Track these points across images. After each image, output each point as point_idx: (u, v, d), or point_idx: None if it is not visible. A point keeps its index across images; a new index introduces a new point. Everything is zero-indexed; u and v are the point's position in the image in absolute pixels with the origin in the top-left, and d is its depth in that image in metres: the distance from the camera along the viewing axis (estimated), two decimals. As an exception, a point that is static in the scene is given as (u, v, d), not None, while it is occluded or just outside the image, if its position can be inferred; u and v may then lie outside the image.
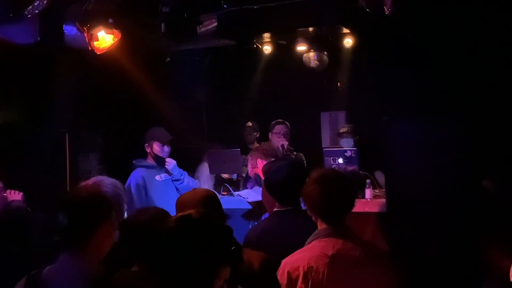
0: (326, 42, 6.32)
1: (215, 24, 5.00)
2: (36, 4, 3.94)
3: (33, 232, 3.35)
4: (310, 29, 5.58)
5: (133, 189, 4.46)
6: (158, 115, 5.77)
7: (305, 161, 5.31)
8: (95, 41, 4.15)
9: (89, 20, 4.11)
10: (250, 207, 4.63)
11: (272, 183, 3.07)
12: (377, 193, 5.14)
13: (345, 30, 5.63)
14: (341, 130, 6.10)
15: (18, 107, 4.87)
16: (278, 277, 2.36)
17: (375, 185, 5.24)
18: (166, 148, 4.64)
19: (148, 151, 4.64)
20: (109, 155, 5.71)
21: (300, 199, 2.77)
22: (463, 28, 4.02)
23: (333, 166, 5.19)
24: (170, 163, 4.70)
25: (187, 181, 4.79)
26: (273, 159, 4.34)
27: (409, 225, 3.97)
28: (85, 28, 4.12)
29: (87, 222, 2.19)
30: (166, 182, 4.65)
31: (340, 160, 5.27)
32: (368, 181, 5.11)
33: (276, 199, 3.02)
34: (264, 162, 4.27)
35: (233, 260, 1.77)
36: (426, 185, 3.93)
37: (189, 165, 6.10)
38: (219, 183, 5.61)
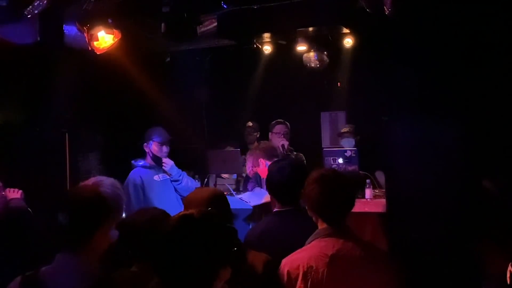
0: (326, 42, 6.32)
1: (215, 24, 5.00)
2: (36, 4, 3.95)
3: (33, 231, 3.35)
4: (310, 29, 5.58)
5: (131, 189, 4.45)
6: (158, 115, 5.77)
7: (305, 161, 5.31)
8: (95, 41, 4.15)
9: (89, 20, 4.11)
10: (250, 207, 4.63)
11: (272, 183, 3.07)
12: (377, 193, 5.15)
13: (345, 30, 5.63)
14: (342, 130, 6.11)
15: (18, 107, 4.86)
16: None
17: (375, 185, 5.24)
18: (165, 149, 4.64)
19: (146, 151, 4.64)
20: (109, 155, 5.71)
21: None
22: (463, 28, 4.02)
23: (333, 166, 5.20)
24: (168, 163, 4.69)
25: (186, 182, 4.79)
26: (276, 159, 4.34)
27: (409, 225, 3.97)
28: (85, 28, 4.12)
29: (88, 222, 2.20)
30: (164, 182, 4.65)
31: (340, 160, 5.27)
32: (368, 181, 5.12)
33: (277, 199, 3.02)
34: (268, 162, 4.27)
35: (234, 261, 1.77)
36: (426, 185, 3.93)
37: (189, 165, 6.11)
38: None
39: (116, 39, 4.20)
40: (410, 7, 4.07)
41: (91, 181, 2.67)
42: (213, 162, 5.69)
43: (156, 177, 4.61)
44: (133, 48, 4.97)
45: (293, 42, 6.29)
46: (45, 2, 3.93)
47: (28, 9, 3.96)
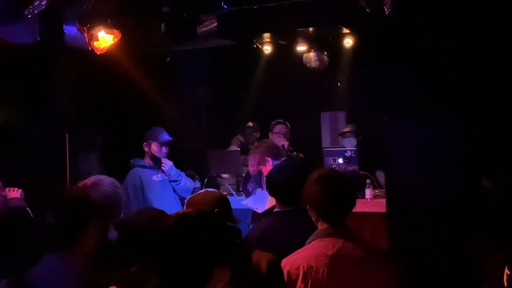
0: (326, 42, 6.32)
1: (215, 24, 5.00)
2: (36, 4, 3.94)
3: (31, 231, 3.35)
4: (310, 29, 5.58)
5: (130, 189, 4.45)
6: (158, 115, 5.77)
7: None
8: (95, 41, 4.14)
9: (89, 20, 4.10)
10: (249, 207, 4.62)
11: (273, 183, 3.07)
12: (377, 193, 5.15)
13: (345, 30, 5.63)
14: (344, 130, 6.11)
15: (18, 107, 4.87)
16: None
17: (375, 185, 5.24)
18: (164, 149, 4.63)
19: (146, 150, 4.63)
20: (109, 155, 5.71)
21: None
22: (463, 28, 4.02)
23: (333, 166, 5.20)
24: (166, 164, 4.68)
25: (184, 182, 4.78)
26: (283, 159, 4.35)
27: (409, 225, 3.97)
28: (85, 28, 4.12)
29: (73, 222, 2.22)
30: (163, 182, 4.64)
31: (340, 160, 5.27)
32: (368, 181, 5.12)
33: (277, 199, 3.02)
34: (275, 161, 4.26)
35: (234, 262, 1.77)
36: (426, 185, 3.93)
37: (189, 165, 6.11)
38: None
39: (116, 39, 4.19)
40: (410, 7, 4.07)
41: (90, 180, 2.67)
42: (213, 162, 5.69)
43: (155, 177, 4.60)
44: (133, 48, 4.97)
45: (293, 42, 6.29)
46: (45, 2, 3.93)
47: (28, 9, 3.95)
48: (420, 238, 3.87)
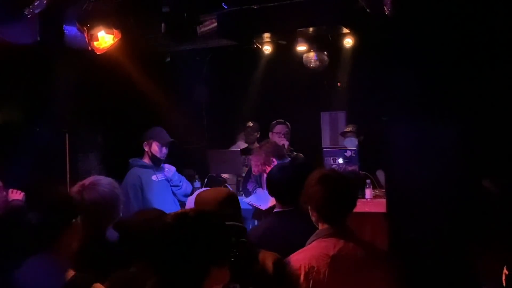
0: (326, 42, 6.32)
1: (215, 24, 5.00)
2: (36, 4, 3.94)
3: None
4: (310, 29, 5.58)
5: (130, 189, 4.43)
6: (158, 115, 5.76)
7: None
8: (95, 41, 4.14)
9: (89, 20, 4.10)
10: (250, 207, 4.62)
11: (273, 184, 3.07)
12: (377, 193, 5.15)
13: (345, 30, 5.63)
14: (345, 130, 6.11)
15: (18, 107, 4.87)
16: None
17: (375, 185, 5.24)
18: (164, 150, 4.62)
19: (146, 149, 4.62)
20: (109, 155, 5.71)
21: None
22: (463, 28, 4.02)
23: (333, 166, 5.20)
24: (170, 169, 4.68)
25: (185, 187, 4.78)
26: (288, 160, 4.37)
27: (409, 225, 3.97)
28: (85, 28, 4.12)
29: (55, 222, 2.25)
30: (162, 182, 4.63)
31: (340, 160, 5.27)
32: (368, 181, 5.12)
33: (277, 199, 3.02)
34: (279, 161, 4.28)
35: (237, 261, 1.77)
36: (426, 185, 3.93)
37: (189, 165, 6.11)
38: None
39: (116, 39, 4.19)
40: (410, 7, 4.07)
41: (88, 180, 2.68)
42: (213, 162, 5.69)
43: (154, 177, 4.59)
44: (133, 48, 4.97)
45: (293, 42, 6.29)
46: (45, 2, 3.93)
47: (28, 9, 3.95)
48: (420, 238, 3.87)
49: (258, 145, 5.80)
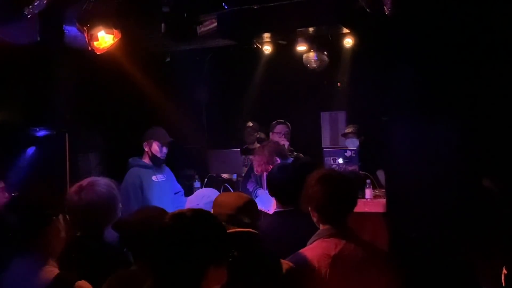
0: (326, 42, 6.32)
1: (215, 24, 5.00)
2: (36, 4, 3.94)
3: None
4: (310, 29, 5.57)
5: (130, 188, 4.42)
6: (158, 115, 5.77)
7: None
8: (95, 41, 4.14)
9: (89, 20, 4.10)
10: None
11: (274, 184, 3.07)
12: (377, 193, 5.15)
13: (345, 30, 5.63)
14: (347, 130, 6.11)
15: (18, 107, 4.87)
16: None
17: (375, 185, 5.24)
18: (164, 149, 4.62)
19: (146, 149, 4.61)
20: (109, 155, 5.70)
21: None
22: (463, 28, 4.02)
23: (333, 166, 5.20)
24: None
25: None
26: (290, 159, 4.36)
27: (409, 225, 3.97)
28: (85, 28, 4.11)
29: (33, 222, 2.28)
30: (161, 183, 4.62)
31: (340, 160, 5.27)
32: (368, 181, 5.12)
33: (277, 199, 3.02)
34: (283, 161, 4.28)
35: (229, 263, 1.77)
36: (426, 185, 3.94)
37: (189, 165, 6.11)
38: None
39: (116, 39, 4.19)
40: (410, 7, 4.07)
41: (85, 181, 2.68)
42: (213, 162, 5.69)
43: (154, 178, 4.59)
44: (133, 48, 4.97)
45: (293, 42, 6.28)
46: (45, 2, 3.92)
47: (28, 9, 3.95)
48: (420, 238, 3.87)
49: (258, 145, 5.81)
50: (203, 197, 3.22)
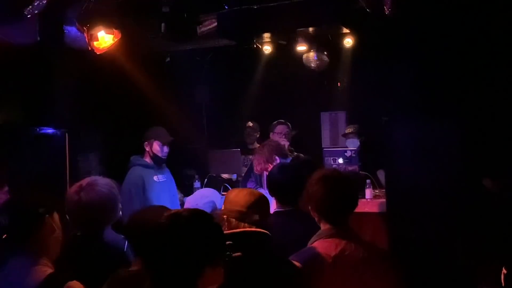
0: (326, 42, 6.32)
1: (215, 24, 5.00)
2: (36, 4, 3.94)
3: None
4: (310, 29, 5.57)
5: (132, 188, 4.42)
6: (158, 115, 5.77)
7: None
8: (95, 41, 4.14)
9: (89, 20, 4.10)
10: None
11: (274, 183, 3.07)
12: (377, 193, 5.15)
13: (345, 30, 5.63)
14: (347, 131, 6.11)
15: (18, 107, 4.87)
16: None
17: (375, 185, 5.24)
18: (166, 149, 4.62)
19: (147, 149, 4.61)
20: (109, 155, 5.70)
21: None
22: (463, 28, 4.02)
23: (333, 166, 5.20)
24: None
25: None
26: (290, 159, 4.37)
27: (409, 225, 3.97)
28: (85, 28, 4.11)
29: (24, 220, 2.28)
30: (162, 183, 4.62)
31: (340, 160, 5.27)
32: (368, 181, 5.12)
33: (277, 199, 3.02)
34: (282, 160, 4.29)
35: (234, 263, 1.77)
36: (426, 184, 3.93)
37: (189, 165, 6.11)
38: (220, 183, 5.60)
39: (116, 39, 4.19)
40: (410, 7, 4.07)
41: (85, 181, 2.67)
42: (213, 162, 5.69)
43: (155, 178, 4.59)
44: (133, 48, 4.97)
45: (293, 42, 6.28)
46: (45, 2, 3.92)
47: (28, 9, 3.95)
48: (420, 238, 3.87)
49: (258, 145, 5.81)
50: (202, 197, 3.22)
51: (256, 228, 2.25)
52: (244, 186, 5.22)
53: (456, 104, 4.02)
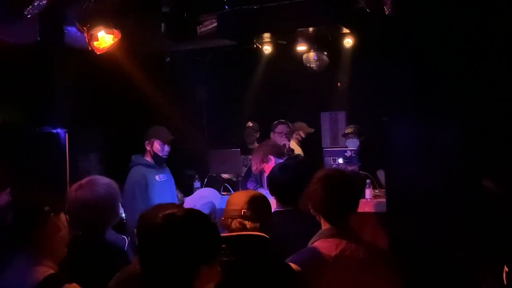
0: (326, 42, 6.33)
1: (215, 24, 5.00)
2: (36, 4, 3.94)
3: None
4: (310, 29, 5.58)
5: (136, 187, 4.42)
6: (158, 115, 5.77)
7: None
8: (95, 41, 4.14)
9: (89, 20, 4.09)
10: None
11: (274, 183, 3.07)
12: (377, 193, 5.15)
13: (345, 30, 5.64)
14: (347, 131, 6.12)
15: (18, 107, 4.86)
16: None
17: (375, 185, 5.24)
18: (166, 148, 4.63)
19: (148, 148, 4.62)
20: (109, 155, 5.70)
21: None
22: (463, 28, 4.02)
23: (333, 166, 5.21)
24: None
25: None
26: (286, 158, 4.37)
27: (409, 225, 3.97)
28: (85, 28, 4.11)
29: (26, 218, 2.26)
30: (163, 183, 4.62)
31: (340, 160, 5.28)
32: (368, 181, 5.12)
33: (277, 198, 3.02)
34: (278, 159, 4.29)
35: (230, 267, 1.76)
36: (426, 184, 3.93)
37: (189, 165, 6.11)
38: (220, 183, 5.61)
39: (116, 39, 4.19)
40: (410, 7, 4.07)
41: (85, 180, 2.66)
42: (213, 162, 5.69)
43: (157, 177, 4.60)
44: (133, 48, 4.97)
45: (293, 42, 6.29)
46: (45, 2, 3.92)
47: (28, 9, 3.95)
48: (420, 238, 3.87)
49: (258, 145, 5.82)
50: (201, 198, 3.22)
51: (256, 230, 2.25)
52: (244, 186, 5.22)
53: (456, 104, 4.01)
